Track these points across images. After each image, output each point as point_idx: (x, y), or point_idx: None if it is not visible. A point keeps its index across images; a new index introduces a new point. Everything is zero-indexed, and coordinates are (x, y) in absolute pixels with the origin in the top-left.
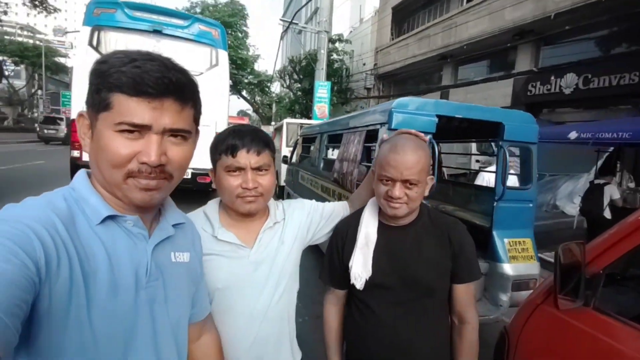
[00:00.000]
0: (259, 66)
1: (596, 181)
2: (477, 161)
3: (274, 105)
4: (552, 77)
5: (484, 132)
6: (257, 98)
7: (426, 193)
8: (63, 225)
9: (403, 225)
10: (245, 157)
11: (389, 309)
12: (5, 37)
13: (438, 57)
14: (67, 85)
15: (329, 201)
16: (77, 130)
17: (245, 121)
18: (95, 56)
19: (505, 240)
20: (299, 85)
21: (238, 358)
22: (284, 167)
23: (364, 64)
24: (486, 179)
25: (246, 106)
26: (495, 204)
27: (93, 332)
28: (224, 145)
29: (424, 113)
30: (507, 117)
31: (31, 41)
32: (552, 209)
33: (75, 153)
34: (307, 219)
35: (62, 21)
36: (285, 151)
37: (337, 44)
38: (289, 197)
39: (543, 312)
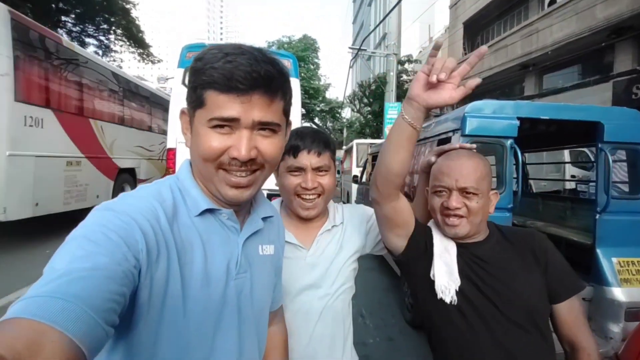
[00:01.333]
0: (329, 94)
1: None
2: (573, 176)
3: (344, 130)
4: None
5: (578, 136)
6: (329, 124)
7: (491, 210)
8: (166, 216)
9: (473, 242)
10: (306, 158)
11: (487, 329)
12: None
13: (518, 67)
14: None
15: None
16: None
17: None
18: None
19: (614, 259)
20: (369, 108)
21: (296, 354)
22: (354, 187)
23: None
24: None
25: None
26: (597, 217)
27: (186, 320)
28: (286, 145)
29: (503, 116)
30: (607, 116)
31: None
32: None
33: None
34: (367, 226)
35: (164, 70)
36: (356, 171)
37: (406, 65)
38: None
39: None
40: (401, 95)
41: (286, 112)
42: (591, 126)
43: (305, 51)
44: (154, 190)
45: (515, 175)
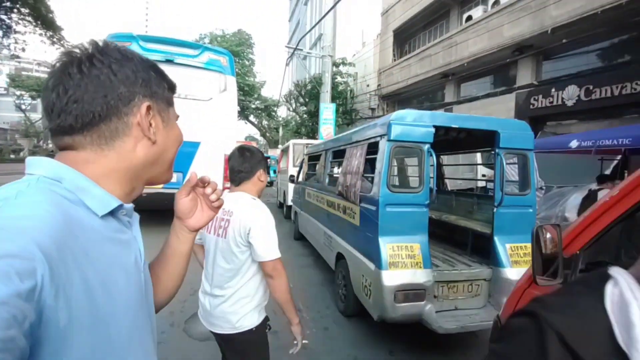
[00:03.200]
0: (265, 91)
1: (593, 188)
2: (484, 175)
3: (280, 129)
4: (553, 90)
5: (482, 142)
6: (264, 122)
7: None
8: (66, 222)
9: None
10: None
11: None
12: (23, 72)
13: (440, 76)
14: None
15: (336, 215)
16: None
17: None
18: None
19: (507, 245)
20: (305, 108)
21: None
22: (290, 187)
23: (368, 85)
24: None
25: (254, 131)
26: (494, 210)
27: (118, 325)
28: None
29: (422, 124)
30: (502, 126)
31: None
32: (562, 220)
33: None
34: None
35: None
36: (293, 171)
37: (341, 67)
38: (296, 215)
39: (530, 296)
40: (335, 96)
41: None
42: (491, 134)
43: (239, 46)
44: (37, 195)
45: (432, 175)
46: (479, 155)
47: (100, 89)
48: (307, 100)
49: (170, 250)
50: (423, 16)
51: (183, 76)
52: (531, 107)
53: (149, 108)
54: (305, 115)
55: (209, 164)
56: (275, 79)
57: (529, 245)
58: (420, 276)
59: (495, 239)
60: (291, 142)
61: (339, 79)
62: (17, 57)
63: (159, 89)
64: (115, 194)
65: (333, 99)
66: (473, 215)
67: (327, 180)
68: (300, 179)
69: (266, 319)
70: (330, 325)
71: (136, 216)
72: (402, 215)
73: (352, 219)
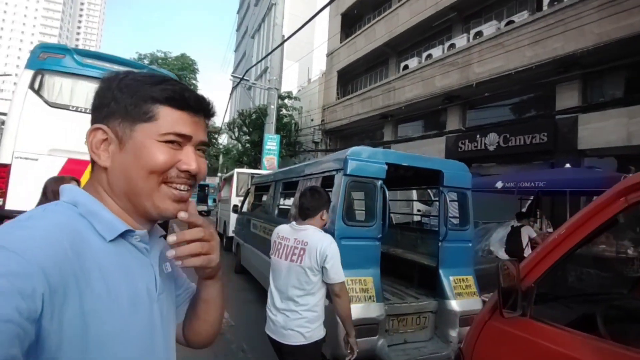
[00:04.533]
0: None
1: (515, 225)
2: (419, 210)
3: (220, 157)
4: (478, 136)
5: (426, 179)
6: None
7: None
8: (72, 247)
9: None
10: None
11: None
12: None
13: (379, 116)
14: None
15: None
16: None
17: None
18: (36, 100)
19: (451, 277)
20: (248, 137)
21: None
22: (233, 217)
23: (312, 120)
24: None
25: None
26: (439, 244)
27: (119, 349)
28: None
29: (375, 161)
30: (446, 166)
31: None
32: (487, 254)
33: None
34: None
35: None
36: (236, 201)
37: (286, 100)
38: (238, 247)
39: (491, 327)
40: (280, 128)
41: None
42: (435, 173)
43: (182, 70)
44: (47, 218)
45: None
46: (414, 191)
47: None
48: (250, 129)
49: (196, 295)
50: (365, 61)
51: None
52: (459, 149)
53: (96, 131)
54: (247, 145)
55: None
56: (218, 106)
57: (470, 277)
58: (373, 310)
59: (441, 271)
60: (235, 171)
61: (284, 111)
62: None
63: (121, 105)
64: (125, 218)
65: (277, 131)
66: (418, 248)
67: (276, 212)
68: (244, 209)
69: (326, 333)
70: None
71: (159, 243)
72: (356, 249)
73: None
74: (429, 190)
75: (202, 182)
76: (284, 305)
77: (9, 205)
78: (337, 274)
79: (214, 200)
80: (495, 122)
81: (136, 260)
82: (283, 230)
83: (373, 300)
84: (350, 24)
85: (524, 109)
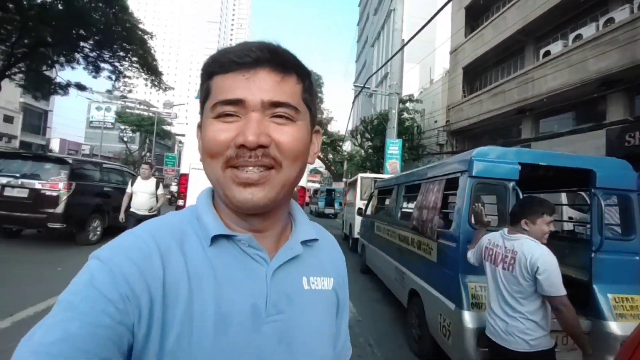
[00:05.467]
0: (331, 127)
1: None
2: (570, 218)
3: (345, 163)
4: None
5: (573, 181)
6: (330, 156)
7: None
8: (160, 253)
9: None
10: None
11: None
12: (127, 110)
13: (515, 111)
14: (169, 148)
15: (409, 250)
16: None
17: (317, 178)
18: None
19: (609, 295)
20: (371, 143)
21: None
22: (357, 219)
23: (436, 122)
24: None
25: (319, 164)
26: (592, 256)
27: None
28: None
29: (506, 161)
30: (599, 164)
31: (146, 113)
32: None
33: (180, 202)
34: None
35: (170, 96)
36: (360, 204)
37: (407, 104)
38: (363, 248)
39: None
40: (401, 132)
41: (307, 102)
42: (584, 173)
43: None
44: (156, 223)
45: None
46: (564, 195)
47: None
48: (372, 135)
49: None
50: (494, 53)
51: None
52: (626, 144)
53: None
54: (370, 150)
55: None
56: (342, 115)
57: (636, 297)
58: None
59: (595, 287)
60: (359, 175)
61: (405, 115)
62: (125, 97)
63: (200, 90)
64: (232, 220)
65: (399, 135)
66: (565, 260)
67: (399, 215)
68: (368, 212)
69: (555, 345)
70: None
71: (290, 249)
72: None
73: (428, 255)
74: (584, 194)
75: (329, 187)
76: (500, 311)
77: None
78: (551, 286)
79: (340, 204)
80: None
81: (242, 270)
82: (494, 237)
83: None
84: (475, 16)
85: None
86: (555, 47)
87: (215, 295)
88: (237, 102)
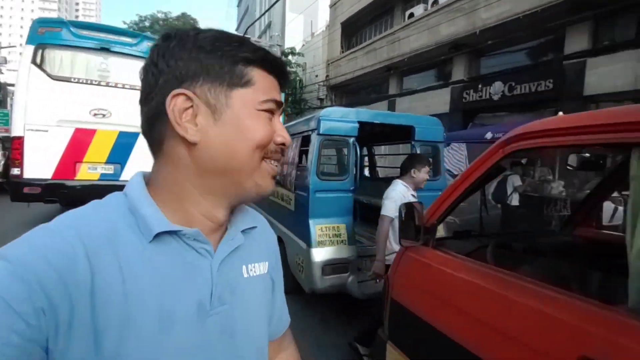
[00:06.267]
0: None
1: (505, 173)
2: None
3: None
4: (480, 85)
5: (404, 135)
6: None
7: None
8: (86, 253)
9: None
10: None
11: None
12: None
13: (384, 69)
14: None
15: (276, 202)
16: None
17: None
18: (39, 74)
19: None
20: None
21: None
22: None
23: (317, 76)
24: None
25: None
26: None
27: None
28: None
29: (347, 120)
30: (417, 121)
31: None
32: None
33: (16, 171)
34: None
35: None
36: None
37: (290, 57)
38: None
39: (406, 256)
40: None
41: None
42: (408, 129)
43: None
44: (80, 217)
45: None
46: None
47: (148, 87)
48: None
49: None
50: (369, 10)
51: (120, 65)
52: (463, 100)
53: (179, 97)
54: None
55: (148, 155)
56: None
57: None
58: (344, 251)
59: None
60: None
61: (288, 68)
62: None
63: (209, 67)
64: (180, 215)
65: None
66: None
67: None
68: None
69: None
70: None
71: (236, 238)
72: (329, 200)
73: (288, 205)
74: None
75: None
76: None
77: (27, 174)
78: (382, 207)
79: None
80: (499, 71)
81: (187, 266)
82: (402, 191)
83: (345, 244)
84: None
85: (531, 55)
86: (418, 10)
87: (157, 296)
88: (280, 105)
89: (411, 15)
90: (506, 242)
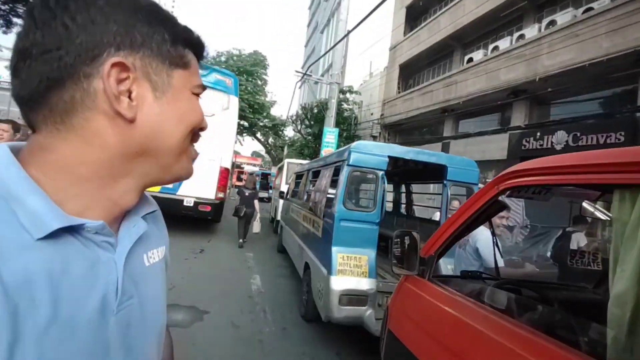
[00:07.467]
0: (274, 110)
1: (567, 229)
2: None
3: (285, 148)
4: (538, 134)
5: (439, 174)
6: (270, 140)
7: None
8: None
9: None
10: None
11: None
12: None
13: (440, 111)
14: None
15: (307, 228)
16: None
17: (258, 162)
18: None
19: (449, 267)
20: (310, 130)
21: None
22: (281, 202)
23: (372, 114)
24: None
25: (260, 147)
26: None
27: None
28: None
29: (378, 154)
30: (451, 161)
31: None
32: (544, 260)
33: None
34: None
35: None
36: (284, 188)
37: (347, 95)
38: (281, 229)
39: (404, 287)
40: (340, 122)
41: None
42: (442, 168)
43: (254, 66)
44: None
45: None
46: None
47: (51, 40)
48: (312, 122)
49: None
50: (428, 54)
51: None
52: (522, 147)
53: (118, 66)
54: (309, 137)
55: (205, 174)
56: (287, 100)
57: None
58: (364, 284)
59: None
60: (286, 160)
61: (344, 105)
62: None
63: (152, 40)
64: (78, 202)
65: (337, 124)
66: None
67: (305, 197)
68: (288, 196)
69: None
70: (288, 326)
71: (139, 225)
72: (354, 230)
73: (317, 232)
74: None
75: (264, 171)
76: None
77: None
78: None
79: (271, 188)
80: (562, 120)
81: (85, 264)
82: None
83: (365, 276)
84: (415, 16)
85: (598, 105)
86: (477, 55)
87: (54, 301)
88: (205, 89)
89: (470, 60)
90: (513, 286)
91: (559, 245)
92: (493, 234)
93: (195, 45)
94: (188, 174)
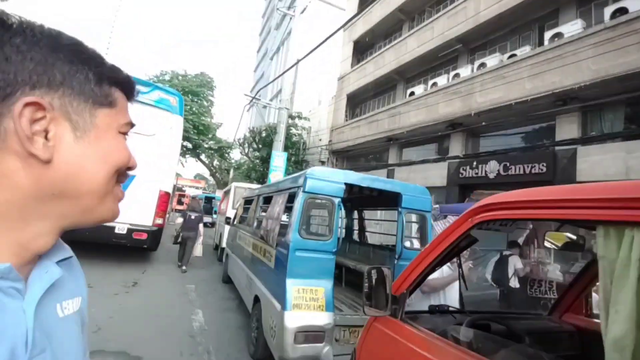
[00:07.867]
0: (220, 133)
1: (504, 252)
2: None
3: (231, 171)
4: (475, 163)
5: (393, 201)
6: (215, 162)
7: None
8: None
9: None
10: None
11: None
12: None
13: (385, 139)
14: None
15: (257, 257)
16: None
17: (201, 184)
18: None
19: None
20: (258, 153)
21: None
22: (227, 228)
23: (320, 140)
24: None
25: (204, 170)
26: (395, 262)
27: None
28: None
29: (334, 180)
30: (405, 189)
31: None
32: (483, 282)
33: None
34: None
35: None
36: (231, 213)
37: (296, 120)
38: (227, 258)
39: (373, 327)
40: (288, 146)
41: None
42: (396, 195)
43: (200, 87)
44: None
45: (341, 226)
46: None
47: None
48: (260, 146)
49: None
50: (374, 86)
51: (130, 110)
52: (460, 175)
53: (33, 106)
54: (257, 161)
55: (142, 199)
56: (234, 123)
57: None
58: (321, 318)
59: None
60: (233, 184)
61: (293, 130)
62: None
63: (73, 78)
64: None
65: (286, 149)
66: (371, 262)
67: (255, 224)
68: (235, 222)
69: None
70: None
71: (51, 272)
72: (309, 260)
73: (269, 262)
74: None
75: (208, 195)
76: None
77: None
78: None
79: (215, 212)
80: (494, 151)
81: None
82: None
83: (322, 310)
84: (361, 50)
85: (524, 138)
86: (419, 90)
87: None
88: (132, 127)
89: (412, 93)
90: (482, 322)
91: (498, 268)
92: (459, 265)
93: (124, 84)
94: (113, 216)
